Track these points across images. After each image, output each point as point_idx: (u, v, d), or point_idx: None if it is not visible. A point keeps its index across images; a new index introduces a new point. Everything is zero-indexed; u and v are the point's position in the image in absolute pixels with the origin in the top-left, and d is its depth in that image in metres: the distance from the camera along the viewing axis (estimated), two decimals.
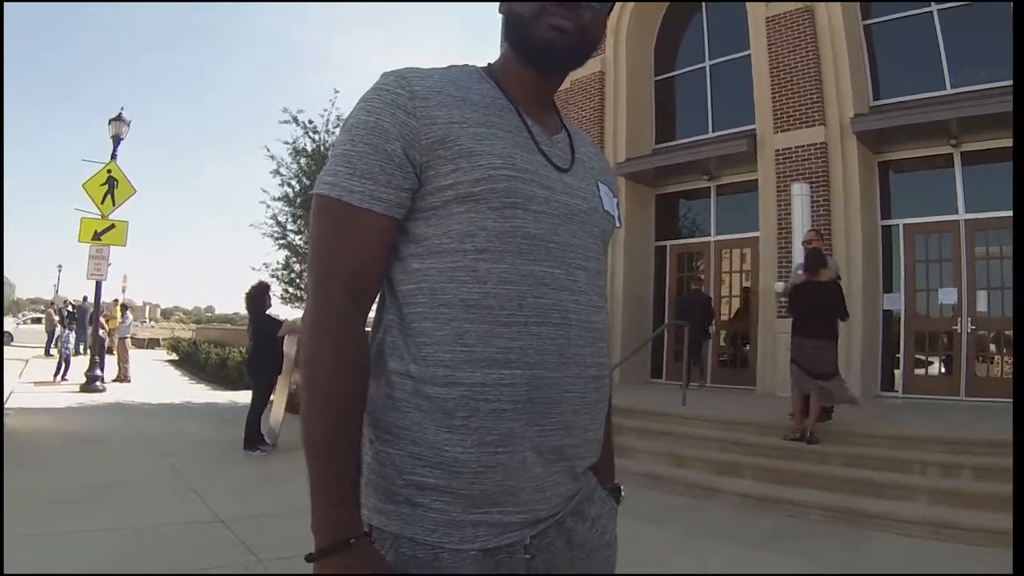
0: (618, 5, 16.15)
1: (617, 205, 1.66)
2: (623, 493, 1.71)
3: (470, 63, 1.57)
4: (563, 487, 1.43)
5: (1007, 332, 11.28)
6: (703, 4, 15.87)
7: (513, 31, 1.50)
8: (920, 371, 12.23)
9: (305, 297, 1.43)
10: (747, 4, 14.11)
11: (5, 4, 9.15)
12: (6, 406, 12.46)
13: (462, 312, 1.32)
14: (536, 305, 1.35)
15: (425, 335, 1.34)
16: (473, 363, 1.30)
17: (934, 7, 12.24)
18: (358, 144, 1.34)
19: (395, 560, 1.31)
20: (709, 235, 15.31)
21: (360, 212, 1.33)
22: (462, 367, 1.30)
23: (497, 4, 1.56)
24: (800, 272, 8.95)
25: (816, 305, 8.44)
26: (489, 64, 1.57)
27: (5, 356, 11.82)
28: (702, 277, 15.07)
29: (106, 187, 16.26)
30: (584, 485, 1.52)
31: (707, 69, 15.73)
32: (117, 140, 16.89)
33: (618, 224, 1.65)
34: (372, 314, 1.46)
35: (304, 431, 1.30)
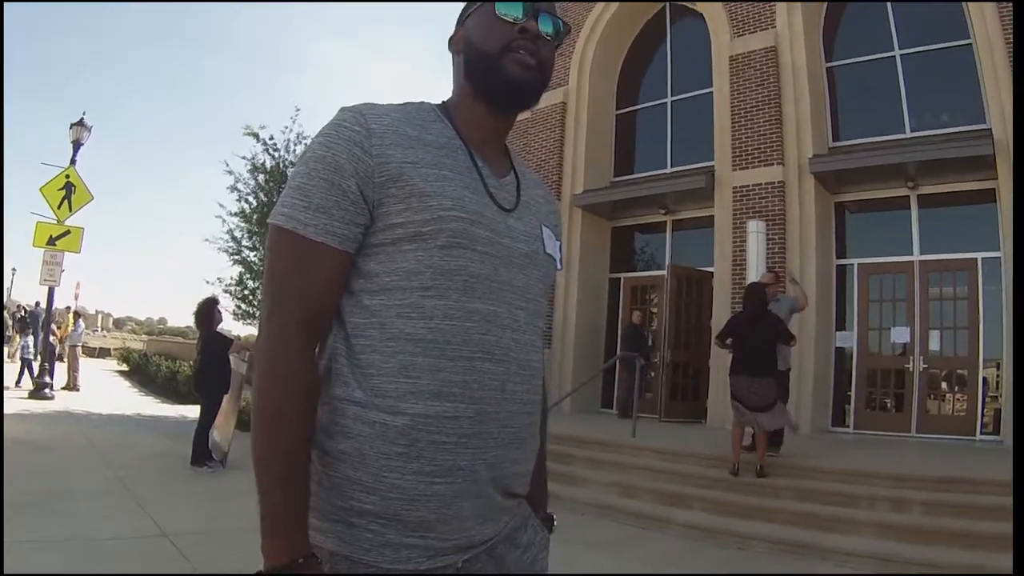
0: (583, 38, 16.33)
1: (560, 248, 1.69)
2: (555, 521, 1.75)
3: (426, 100, 1.59)
4: (496, 515, 1.47)
5: (959, 371, 11.43)
6: (668, 41, 16.03)
7: (476, 69, 1.53)
8: (871, 408, 12.28)
9: (258, 327, 1.48)
10: (712, 42, 14.27)
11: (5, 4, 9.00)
12: None
13: (409, 346, 1.34)
14: (481, 341, 1.38)
15: (372, 367, 1.35)
16: (417, 395, 1.33)
17: (897, 52, 12.44)
18: (314, 178, 1.36)
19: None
20: (663, 269, 15.22)
21: (315, 245, 1.35)
22: (406, 398, 1.33)
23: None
24: (740, 310, 8.98)
25: (755, 343, 8.41)
26: (444, 102, 1.60)
27: None
28: (654, 311, 15.16)
29: (64, 192, 15.98)
30: (517, 514, 1.57)
31: (669, 104, 15.84)
32: (77, 145, 16.58)
33: (559, 267, 1.68)
34: None
35: (255, 458, 1.30)
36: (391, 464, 1.31)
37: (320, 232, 1.33)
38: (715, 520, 7.71)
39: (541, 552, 1.61)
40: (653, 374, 14.17)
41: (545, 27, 1.51)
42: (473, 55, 1.52)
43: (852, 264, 12.65)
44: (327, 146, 1.37)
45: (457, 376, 1.34)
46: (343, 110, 1.43)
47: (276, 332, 1.33)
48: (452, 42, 1.60)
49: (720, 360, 12.18)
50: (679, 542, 7.39)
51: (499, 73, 1.47)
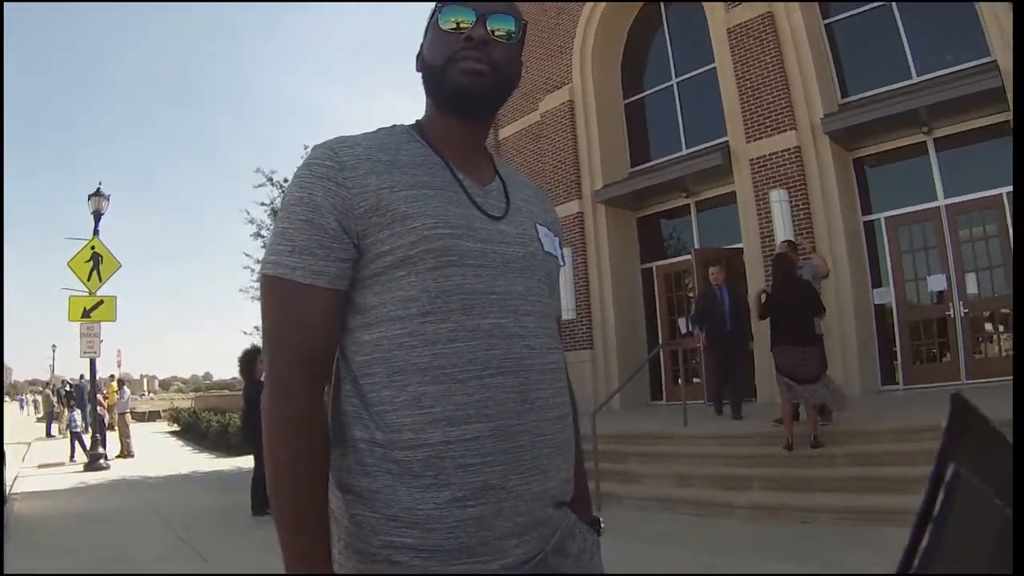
0: (579, 34, 16.38)
1: (559, 244, 1.67)
2: (602, 524, 1.70)
3: (399, 123, 1.59)
4: (541, 528, 1.44)
5: (1003, 310, 11.12)
6: (664, 23, 16.00)
7: (429, 82, 1.54)
8: (919, 361, 12.07)
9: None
10: (708, 17, 14.22)
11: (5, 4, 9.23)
12: (12, 492, 12.56)
13: (416, 376, 1.34)
14: (487, 357, 1.37)
15: (385, 403, 1.35)
16: (435, 423, 1.32)
17: None
18: (294, 221, 1.36)
19: None
20: (693, 252, 15.18)
21: (304, 288, 1.35)
22: (424, 429, 1.32)
23: None
24: (771, 283, 8.96)
25: (792, 311, 8.38)
26: (417, 121, 1.60)
27: (5, 441, 11.90)
28: (690, 295, 14.51)
29: (91, 263, 16.34)
30: (563, 522, 1.52)
31: (675, 86, 15.78)
32: (98, 216, 16.98)
33: (562, 263, 1.65)
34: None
35: (272, 508, 1.33)
36: (424, 496, 1.31)
37: (308, 274, 1.34)
38: (775, 497, 7.73)
39: (593, 558, 1.58)
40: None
41: (496, 28, 1.49)
42: (425, 70, 1.53)
43: (879, 219, 12.46)
44: (302, 187, 1.38)
45: (469, 397, 1.33)
46: (314, 148, 1.44)
47: (276, 378, 1.34)
48: (416, 60, 1.60)
49: (761, 335, 12.03)
50: (741, 524, 7.37)
51: (445, 83, 1.48)
